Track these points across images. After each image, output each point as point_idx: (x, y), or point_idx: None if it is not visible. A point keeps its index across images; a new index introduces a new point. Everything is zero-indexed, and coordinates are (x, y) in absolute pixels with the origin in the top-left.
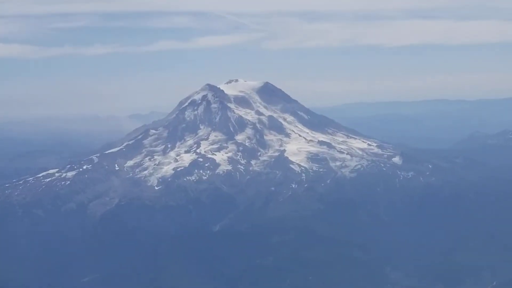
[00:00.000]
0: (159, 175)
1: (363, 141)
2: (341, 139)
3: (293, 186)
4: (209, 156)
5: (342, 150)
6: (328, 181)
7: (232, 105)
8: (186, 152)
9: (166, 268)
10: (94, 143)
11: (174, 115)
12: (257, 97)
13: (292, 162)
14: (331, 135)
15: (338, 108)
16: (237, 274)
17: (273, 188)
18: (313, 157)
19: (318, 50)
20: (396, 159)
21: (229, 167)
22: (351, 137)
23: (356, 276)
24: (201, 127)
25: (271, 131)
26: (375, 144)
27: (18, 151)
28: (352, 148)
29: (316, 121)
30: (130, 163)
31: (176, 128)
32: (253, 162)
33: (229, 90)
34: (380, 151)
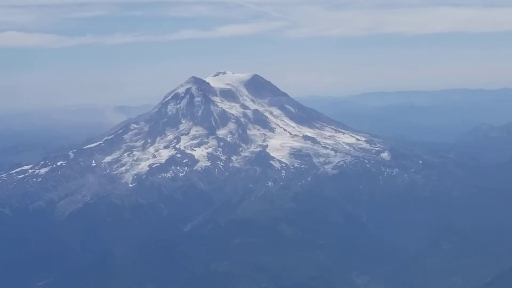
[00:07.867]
0: (135, 172)
1: (351, 136)
2: (328, 134)
3: (269, 183)
4: (188, 152)
5: (327, 145)
6: (309, 178)
7: (216, 99)
8: (165, 147)
9: (120, 272)
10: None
11: (157, 109)
12: (244, 90)
13: (273, 158)
14: (319, 129)
15: (356, 97)
16: (190, 280)
17: (251, 185)
18: (296, 153)
19: (339, 39)
20: (385, 155)
21: (208, 163)
22: (339, 132)
23: (316, 281)
24: (183, 121)
25: (255, 126)
26: (363, 139)
27: (7, 145)
28: (338, 143)
29: (304, 115)
30: (108, 158)
31: (158, 122)
32: (233, 158)
33: (216, 83)
34: (368, 146)
